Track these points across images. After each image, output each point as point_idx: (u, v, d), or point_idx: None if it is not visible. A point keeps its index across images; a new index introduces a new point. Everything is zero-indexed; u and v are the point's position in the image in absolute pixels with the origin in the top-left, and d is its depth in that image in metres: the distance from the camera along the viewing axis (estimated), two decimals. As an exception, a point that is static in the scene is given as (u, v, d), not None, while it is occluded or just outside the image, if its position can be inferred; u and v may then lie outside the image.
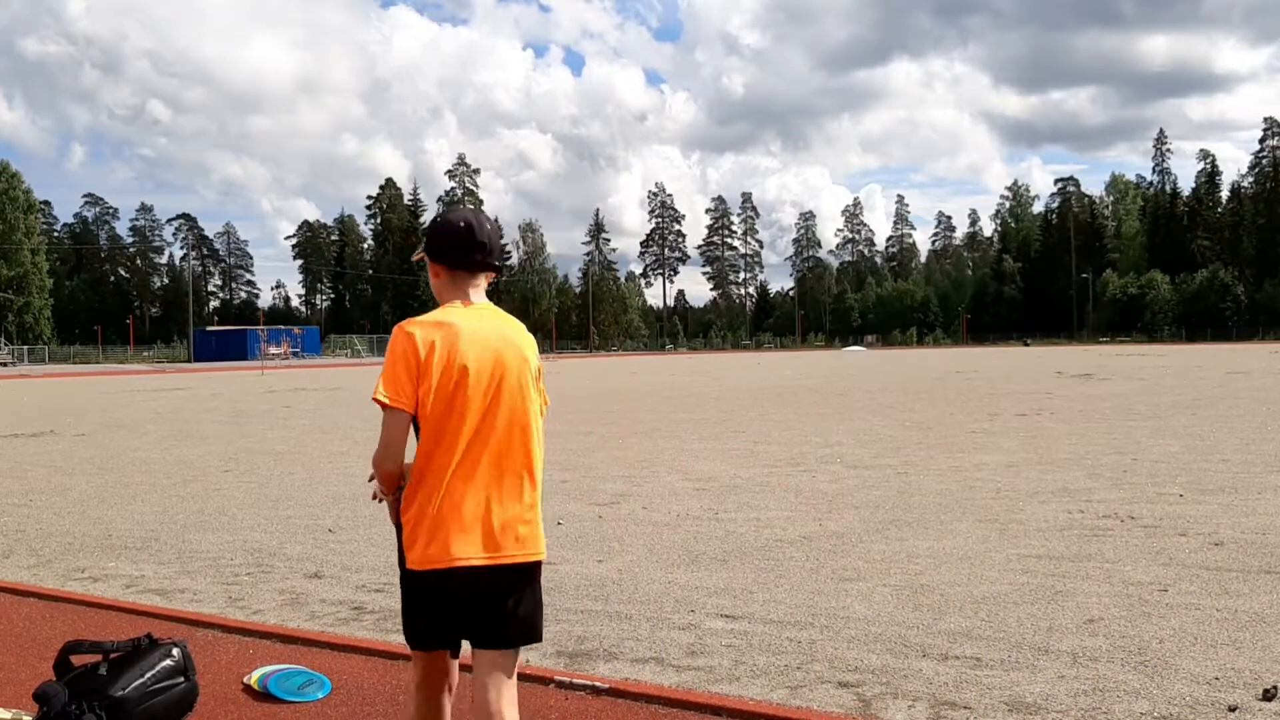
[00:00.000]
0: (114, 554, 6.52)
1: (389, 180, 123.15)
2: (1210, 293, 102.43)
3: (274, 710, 3.72)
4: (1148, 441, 11.62)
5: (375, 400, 2.52)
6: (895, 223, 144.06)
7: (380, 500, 2.71)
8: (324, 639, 4.49)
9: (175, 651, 3.51)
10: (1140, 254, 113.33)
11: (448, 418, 2.52)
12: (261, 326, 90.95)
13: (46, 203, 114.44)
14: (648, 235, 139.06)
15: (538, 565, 2.68)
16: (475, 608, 2.57)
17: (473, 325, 2.57)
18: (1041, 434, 12.74)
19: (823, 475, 9.46)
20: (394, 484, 2.61)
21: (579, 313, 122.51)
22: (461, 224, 2.63)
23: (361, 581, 5.57)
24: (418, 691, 2.73)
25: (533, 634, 2.67)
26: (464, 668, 2.80)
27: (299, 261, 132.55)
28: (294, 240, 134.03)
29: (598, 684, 3.80)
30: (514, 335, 2.65)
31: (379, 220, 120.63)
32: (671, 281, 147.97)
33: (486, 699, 2.58)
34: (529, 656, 4.22)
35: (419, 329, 2.53)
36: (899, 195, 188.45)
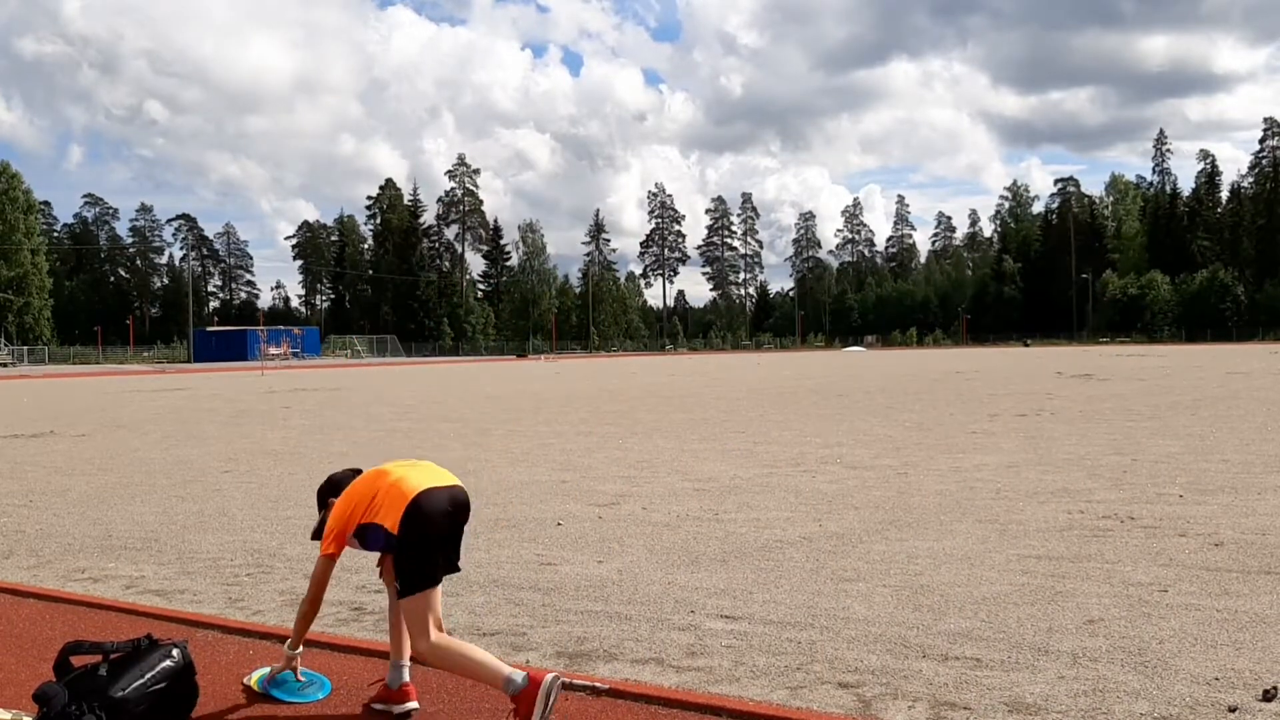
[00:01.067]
0: (114, 555, 6.52)
1: (389, 180, 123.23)
2: (1210, 293, 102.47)
3: (274, 710, 3.72)
4: (1148, 442, 11.63)
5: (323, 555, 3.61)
6: (895, 223, 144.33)
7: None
8: (324, 639, 4.49)
9: (175, 652, 3.51)
10: (1140, 254, 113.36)
11: (371, 489, 3.57)
12: (261, 327, 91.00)
13: (46, 203, 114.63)
14: (647, 235, 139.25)
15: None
16: (453, 531, 3.50)
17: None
18: (1041, 434, 12.74)
19: (822, 476, 9.46)
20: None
21: (579, 313, 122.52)
22: (349, 472, 3.84)
23: (361, 582, 5.57)
24: (435, 638, 3.40)
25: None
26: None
27: (299, 262, 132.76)
28: (294, 240, 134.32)
29: (598, 684, 3.80)
30: None
31: (379, 220, 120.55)
32: (671, 282, 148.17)
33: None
34: (529, 657, 4.23)
35: (332, 518, 3.63)
36: (899, 195, 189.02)
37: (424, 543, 3.39)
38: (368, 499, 3.52)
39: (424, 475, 3.53)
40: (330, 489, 3.81)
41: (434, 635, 3.40)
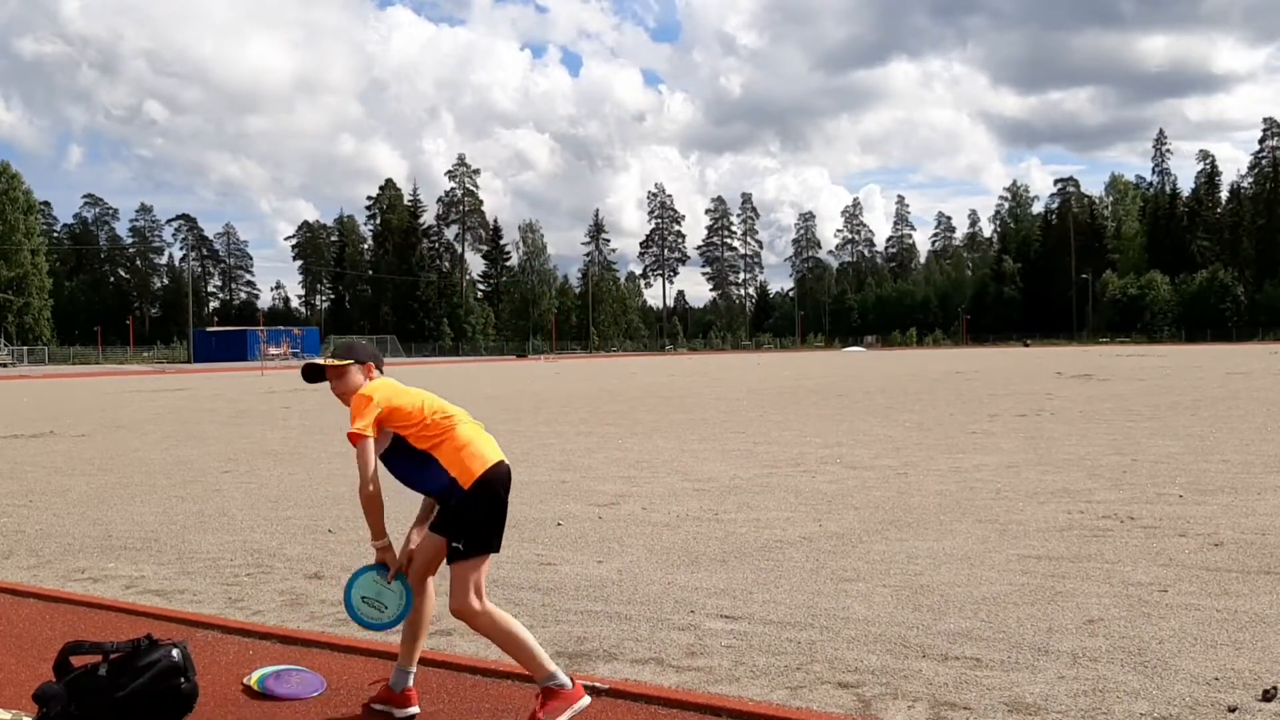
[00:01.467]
0: (114, 555, 6.52)
1: (389, 181, 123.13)
2: (1210, 293, 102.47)
3: (274, 710, 3.72)
4: (1148, 442, 11.63)
5: (354, 432, 3.48)
6: (895, 223, 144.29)
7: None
8: (324, 639, 4.50)
9: (175, 652, 3.50)
10: (1140, 254, 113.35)
11: (433, 413, 3.57)
12: (261, 327, 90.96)
13: (46, 203, 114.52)
14: (647, 235, 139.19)
15: None
16: (506, 498, 3.59)
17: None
18: (1041, 435, 12.74)
19: (822, 476, 9.46)
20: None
21: (579, 313, 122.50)
22: (378, 350, 3.93)
23: (361, 582, 5.56)
24: (486, 603, 3.47)
25: None
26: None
27: (298, 262, 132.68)
28: (293, 241, 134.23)
29: (598, 684, 3.80)
30: None
31: (379, 221, 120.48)
32: (671, 282, 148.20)
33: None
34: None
35: (377, 391, 3.59)
36: (899, 195, 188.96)
37: (493, 510, 3.50)
38: (439, 429, 3.51)
39: (491, 446, 3.59)
40: (363, 352, 3.76)
41: (485, 601, 3.48)
